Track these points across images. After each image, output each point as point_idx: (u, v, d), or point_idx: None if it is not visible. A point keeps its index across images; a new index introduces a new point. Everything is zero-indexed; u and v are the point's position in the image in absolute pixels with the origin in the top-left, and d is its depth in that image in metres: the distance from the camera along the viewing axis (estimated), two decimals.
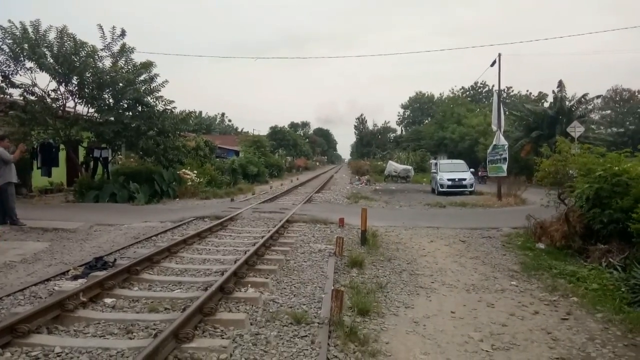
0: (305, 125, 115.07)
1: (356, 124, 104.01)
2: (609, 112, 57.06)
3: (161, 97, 17.15)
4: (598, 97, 37.80)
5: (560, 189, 9.64)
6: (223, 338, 4.11)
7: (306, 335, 4.27)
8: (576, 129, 20.86)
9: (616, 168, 7.82)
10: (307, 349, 3.98)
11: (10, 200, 10.05)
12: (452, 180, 22.91)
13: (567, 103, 32.22)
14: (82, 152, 19.11)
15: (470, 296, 5.96)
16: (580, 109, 32.86)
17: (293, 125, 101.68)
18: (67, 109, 16.54)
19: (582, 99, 32.90)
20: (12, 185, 10.15)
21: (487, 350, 4.24)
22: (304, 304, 5.19)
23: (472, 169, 24.63)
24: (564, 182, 9.43)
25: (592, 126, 34.72)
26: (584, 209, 8.17)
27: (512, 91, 65.11)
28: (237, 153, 39.33)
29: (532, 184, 21.22)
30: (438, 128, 51.85)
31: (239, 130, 78.25)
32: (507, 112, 31.45)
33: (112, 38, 16.04)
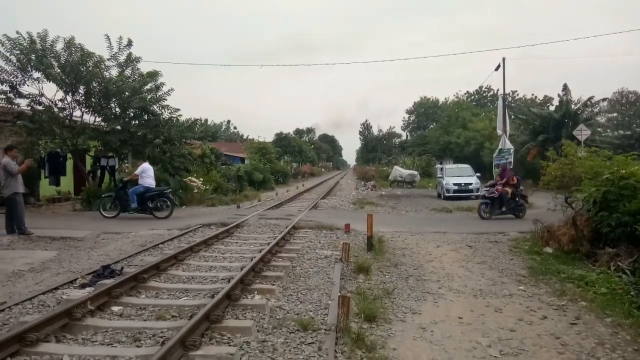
0: (310, 131, 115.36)
1: (361, 130, 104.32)
2: (615, 114, 56.77)
3: (167, 105, 17.28)
4: (604, 100, 37.50)
5: (567, 192, 9.59)
6: (230, 345, 4.11)
7: (313, 342, 4.26)
8: (582, 132, 20.79)
9: (623, 171, 7.78)
10: (314, 356, 3.97)
11: (19, 210, 10.13)
12: (458, 185, 22.85)
13: (572, 106, 32.06)
14: (89, 161, 19.27)
15: (477, 301, 5.93)
16: (586, 112, 32.70)
17: (298, 132, 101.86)
18: (74, 118, 16.71)
19: (588, 102, 32.75)
20: (20, 195, 10.23)
21: (495, 356, 4.21)
22: (311, 311, 5.18)
23: (478, 174, 24.57)
24: (571, 186, 9.38)
25: (599, 129, 34.47)
26: (592, 213, 8.11)
27: (517, 95, 65.20)
28: (242, 160, 39.52)
29: (539, 188, 21.19)
30: (443, 133, 51.75)
31: (245, 137, 78.60)
32: (512, 116, 31.45)
33: (119, 48, 16.21)
